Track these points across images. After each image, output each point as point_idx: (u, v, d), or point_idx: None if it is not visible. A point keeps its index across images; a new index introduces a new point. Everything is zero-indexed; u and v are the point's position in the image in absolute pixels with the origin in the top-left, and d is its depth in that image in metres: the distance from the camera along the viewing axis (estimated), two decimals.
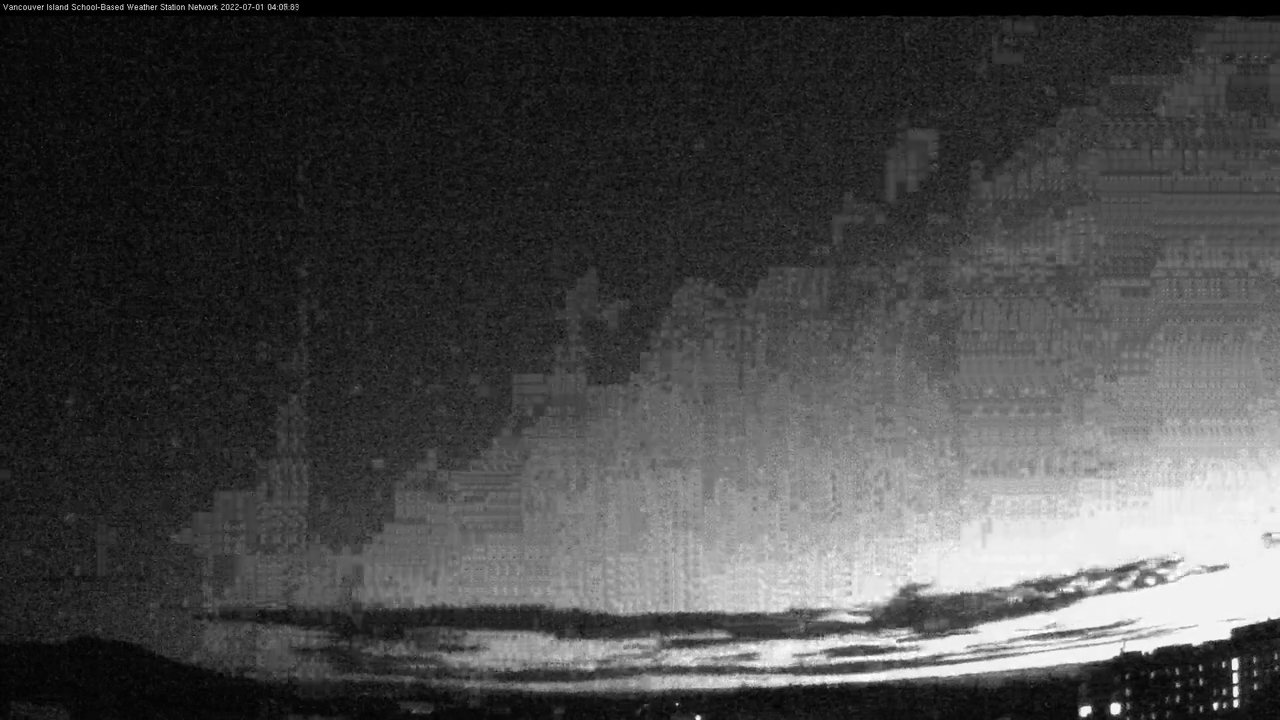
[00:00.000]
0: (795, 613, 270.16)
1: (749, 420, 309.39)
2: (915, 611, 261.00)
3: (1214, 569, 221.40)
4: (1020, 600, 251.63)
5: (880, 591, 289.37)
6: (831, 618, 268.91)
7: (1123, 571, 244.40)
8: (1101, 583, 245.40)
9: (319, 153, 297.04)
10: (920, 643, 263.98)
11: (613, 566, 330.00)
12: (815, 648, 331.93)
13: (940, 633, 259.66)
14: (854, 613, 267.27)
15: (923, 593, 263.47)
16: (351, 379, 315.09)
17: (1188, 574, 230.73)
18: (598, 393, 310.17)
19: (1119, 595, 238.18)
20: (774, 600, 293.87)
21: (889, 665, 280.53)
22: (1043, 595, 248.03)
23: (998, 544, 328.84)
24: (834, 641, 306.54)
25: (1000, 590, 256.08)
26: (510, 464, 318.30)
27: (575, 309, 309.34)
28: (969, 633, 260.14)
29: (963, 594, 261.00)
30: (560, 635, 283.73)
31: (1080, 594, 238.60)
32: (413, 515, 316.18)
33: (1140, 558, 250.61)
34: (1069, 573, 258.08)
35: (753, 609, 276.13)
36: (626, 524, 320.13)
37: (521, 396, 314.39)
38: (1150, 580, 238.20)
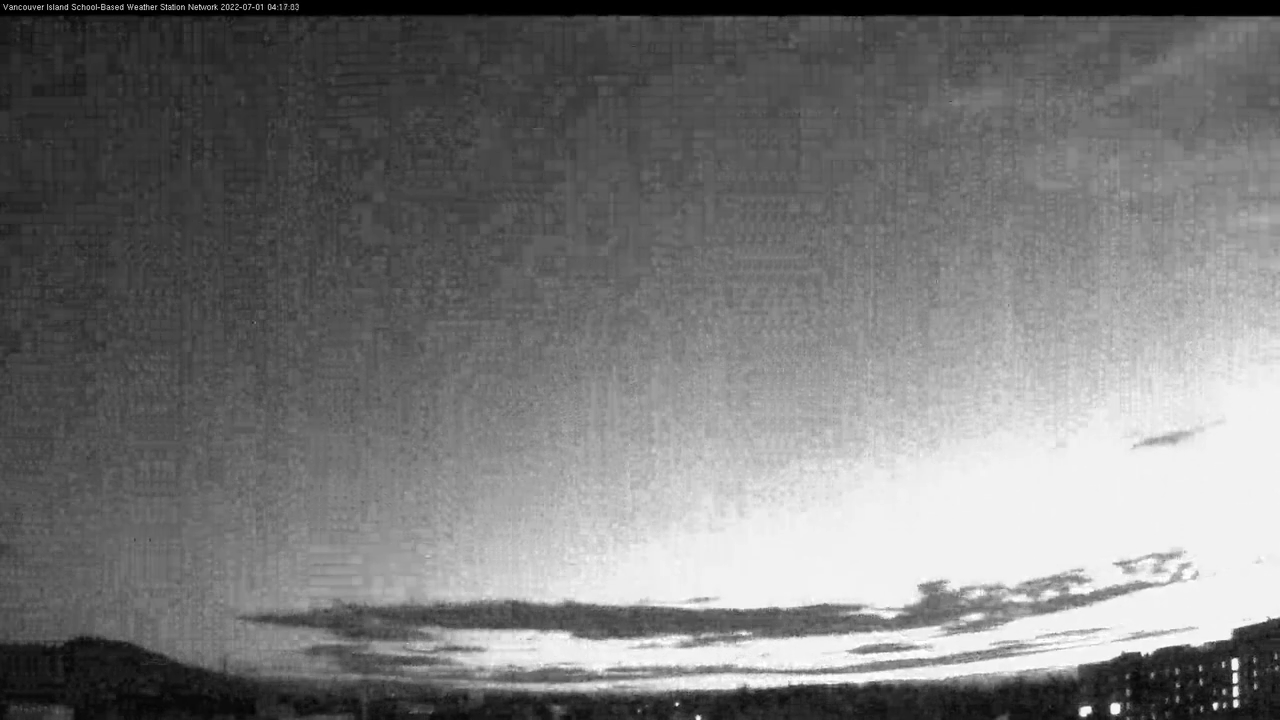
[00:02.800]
0: (807, 609, 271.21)
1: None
2: (936, 608, 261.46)
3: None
4: (1052, 596, 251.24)
5: (901, 588, 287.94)
6: (847, 615, 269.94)
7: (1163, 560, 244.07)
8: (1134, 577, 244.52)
9: (319, 152, 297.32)
10: (934, 640, 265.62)
11: (613, 562, 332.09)
12: (818, 647, 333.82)
13: (962, 630, 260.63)
14: (873, 610, 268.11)
15: (945, 588, 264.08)
16: (355, 380, 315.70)
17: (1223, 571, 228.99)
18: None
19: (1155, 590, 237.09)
20: (786, 598, 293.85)
21: (890, 665, 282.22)
22: (1077, 592, 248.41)
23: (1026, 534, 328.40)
24: (840, 641, 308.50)
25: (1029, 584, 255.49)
26: (515, 461, 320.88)
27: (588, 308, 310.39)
28: (991, 629, 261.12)
29: (990, 587, 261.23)
30: (562, 634, 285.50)
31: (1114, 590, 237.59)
32: (413, 515, 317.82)
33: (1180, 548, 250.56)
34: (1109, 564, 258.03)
35: (763, 606, 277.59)
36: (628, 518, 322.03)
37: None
38: (1187, 575, 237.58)
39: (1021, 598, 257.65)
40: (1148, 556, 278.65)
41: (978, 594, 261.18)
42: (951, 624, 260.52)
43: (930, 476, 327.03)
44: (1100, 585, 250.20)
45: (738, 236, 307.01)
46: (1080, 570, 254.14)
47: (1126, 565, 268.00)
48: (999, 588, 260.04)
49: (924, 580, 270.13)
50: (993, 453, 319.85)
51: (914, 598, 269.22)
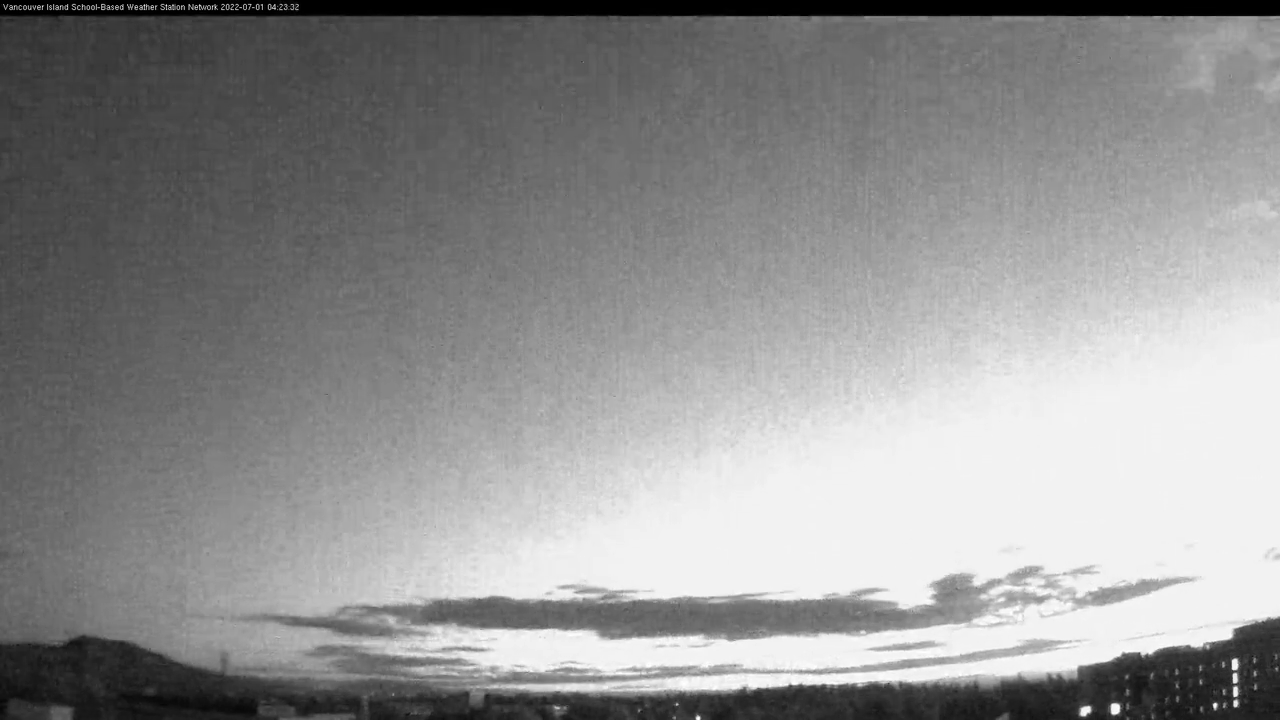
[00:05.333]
0: (809, 608, 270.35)
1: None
2: (939, 607, 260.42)
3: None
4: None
5: (902, 587, 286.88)
6: (848, 614, 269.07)
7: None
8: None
9: (320, 153, 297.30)
10: (935, 640, 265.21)
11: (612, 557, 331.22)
12: (820, 647, 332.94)
13: (964, 629, 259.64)
14: (875, 609, 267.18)
15: (949, 587, 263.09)
16: (355, 379, 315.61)
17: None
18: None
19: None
20: (789, 596, 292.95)
21: (891, 665, 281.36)
22: (1079, 590, 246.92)
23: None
24: (841, 640, 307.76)
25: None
26: (513, 460, 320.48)
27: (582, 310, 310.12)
28: (993, 628, 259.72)
29: (994, 586, 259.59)
30: (562, 633, 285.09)
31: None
32: (413, 516, 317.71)
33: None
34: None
35: (766, 604, 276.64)
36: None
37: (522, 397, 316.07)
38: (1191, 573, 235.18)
39: (1022, 596, 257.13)
40: (1152, 554, 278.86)
41: (981, 593, 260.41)
42: (953, 623, 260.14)
43: (934, 470, 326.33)
44: (1103, 584, 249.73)
45: (738, 196, 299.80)
46: (1083, 568, 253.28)
47: (1131, 563, 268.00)
48: (1003, 586, 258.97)
49: (928, 579, 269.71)
50: (997, 444, 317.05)
51: (916, 598, 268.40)
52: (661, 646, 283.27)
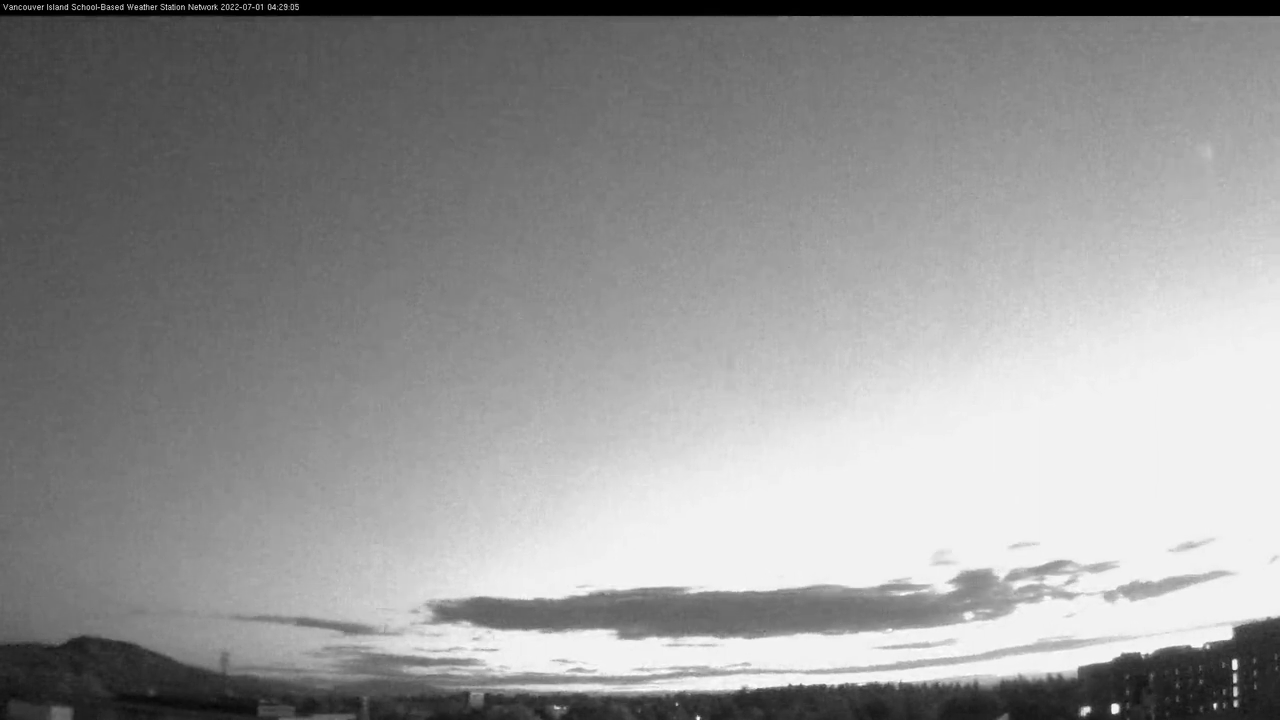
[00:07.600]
0: (808, 608, 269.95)
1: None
2: (939, 607, 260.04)
3: None
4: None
5: (906, 587, 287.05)
6: (848, 614, 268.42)
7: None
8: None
9: (321, 153, 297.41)
10: (935, 640, 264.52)
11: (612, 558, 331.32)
12: (819, 647, 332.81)
13: (963, 629, 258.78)
14: (876, 609, 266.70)
15: (951, 587, 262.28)
16: (355, 379, 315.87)
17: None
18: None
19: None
20: (788, 595, 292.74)
21: (891, 666, 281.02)
22: (1081, 590, 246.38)
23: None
24: (840, 640, 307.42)
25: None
26: (516, 457, 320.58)
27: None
28: (992, 628, 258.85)
29: (995, 585, 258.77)
30: (561, 633, 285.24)
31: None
32: (412, 517, 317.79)
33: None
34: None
35: (766, 602, 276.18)
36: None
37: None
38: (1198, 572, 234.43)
39: (1024, 596, 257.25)
40: (1160, 554, 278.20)
41: (995, 591, 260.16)
42: (967, 621, 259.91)
43: (940, 468, 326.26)
44: (1112, 584, 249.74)
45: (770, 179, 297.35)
46: (1097, 565, 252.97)
47: (1142, 563, 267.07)
48: (1018, 583, 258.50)
49: (931, 578, 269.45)
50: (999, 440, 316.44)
51: (932, 594, 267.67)
52: (675, 646, 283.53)
